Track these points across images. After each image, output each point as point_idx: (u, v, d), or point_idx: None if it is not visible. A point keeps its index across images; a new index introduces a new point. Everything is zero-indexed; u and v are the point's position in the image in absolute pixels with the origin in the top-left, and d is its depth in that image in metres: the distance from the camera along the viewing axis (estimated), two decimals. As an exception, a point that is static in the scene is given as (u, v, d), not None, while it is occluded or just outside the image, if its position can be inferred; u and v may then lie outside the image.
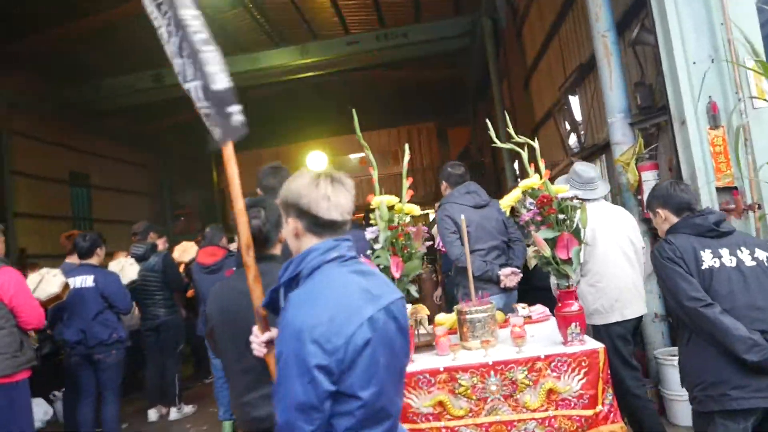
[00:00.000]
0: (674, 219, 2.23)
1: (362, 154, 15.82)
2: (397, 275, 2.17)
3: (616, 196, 4.11)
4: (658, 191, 2.32)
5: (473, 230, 3.27)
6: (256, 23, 10.66)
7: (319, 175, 1.39)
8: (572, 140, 6.63)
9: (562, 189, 2.30)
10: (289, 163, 15.64)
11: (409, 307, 2.72)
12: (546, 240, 2.19)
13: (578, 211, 2.25)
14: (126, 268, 4.73)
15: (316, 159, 14.83)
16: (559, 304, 2.27)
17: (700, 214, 2.19)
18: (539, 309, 2.90)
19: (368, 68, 12.32)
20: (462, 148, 14.70)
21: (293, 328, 1.20)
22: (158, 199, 15.36)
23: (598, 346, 2.22)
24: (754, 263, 2.08)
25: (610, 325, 2.89)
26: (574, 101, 6.31)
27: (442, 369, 2.17)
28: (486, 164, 13.19)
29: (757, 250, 2.12)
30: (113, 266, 4.77)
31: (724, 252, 2.09)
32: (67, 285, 3.68)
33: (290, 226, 1.40)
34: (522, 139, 2.47)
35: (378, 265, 2.25)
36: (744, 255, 2.09)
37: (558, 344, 2.28)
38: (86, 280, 3.90)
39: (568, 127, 6.71)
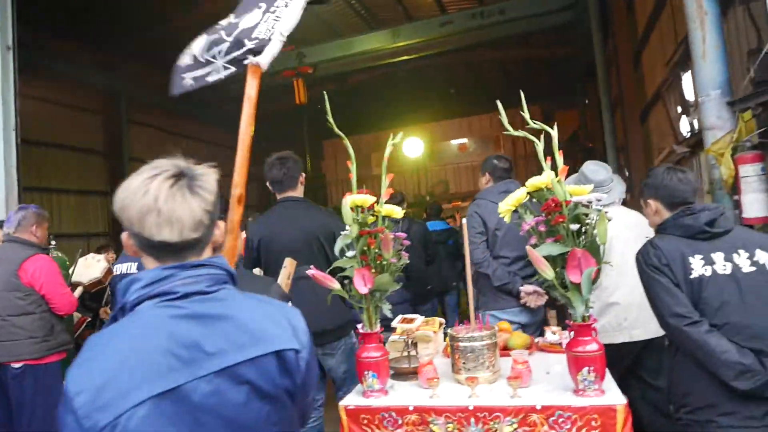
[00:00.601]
0: (666, 213, 1.95)
1: (463, 140, 15.24)
2: (364, 290, 1.81)
3: (707, 194, 3.31)
4: (652, 178, 2.03)
5: (501, 234, 2.90)
6: (350, 7, 10.53)
7: (156, 173, 0.99)
8: (683, 124, 5.65)
9: (580, 191, 1.77)
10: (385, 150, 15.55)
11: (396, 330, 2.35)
12: (552, 257, 1.70)
13: (597, 220, 1.72)
14: None
15: (412, 145, 14.50)
16: (570, 339, 1.76)
17: (691, 212, 1.87)
18: (575, 335, 2.35)
19: (466, 50, 11.68)
20: (570, 133, 13.48)
21: (65, 386, 0.89)
22: (263, 184, 16.09)
23: (618, 401, 1.67)
24: (753, 269, 1.79)
25: (614, 347, 2.43)
26: (686, 78, 5.33)
27: (411, 408, 1.77)
28: (596, 150, 11.97)
29: (758, 251, 1.82)
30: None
31: (718, 257, 1.81)
32: (109, 270, 3.79)
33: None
34: (537, 125, 1.96)
35: (344, 278, 1.91)
36: (741, 259, 1.80)
37: (569, 392, 1.78)
38: (131, 267, 4.00)
39: (678, 109, 5.73)
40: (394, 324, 2.51)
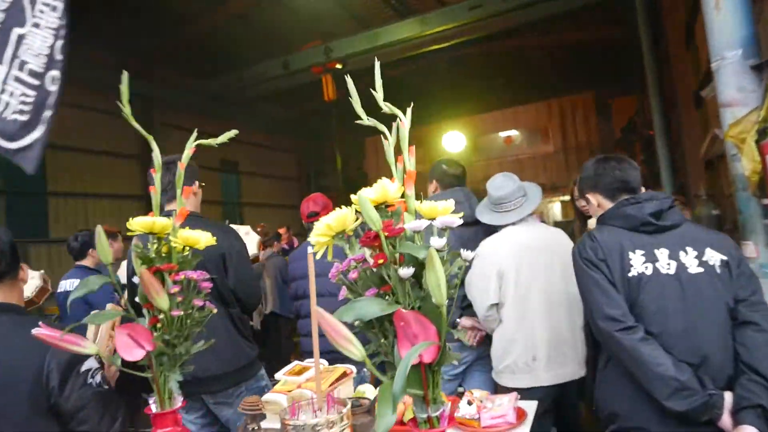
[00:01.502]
0: (608, 205, 1.77)
1: (509, 132, 14.26)
2: (138, 354, 1.25)
3: (727, 198, 2.46)
4: (586, 170, 1.85)
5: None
6: (378, -4, 9.99)
7: None
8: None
9: (437, 211, 1.12)
10: (427, 146, 14.89)
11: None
12: (364, 325, 1.07)
13: (456, 261, 1.07)
14: None
15: (454, 139, 13.72)
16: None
17: (636, 201, 1.68)
18: (501, 401, 1.68)
19: (505, 35, 10.80)
20: (626, 121, 12.20)
21: None
22: (304, 183, 15.86)
23: None
24: (700, 269, 1.59)
25: (523, 391, 2.08)
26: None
27: None
28: (654, 139, 10.71)
29: (708, 250, 1.61)
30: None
31: (662, 254, 1.62)
32: (43, 289, 3.45)
33: None
34: (389, 108, 1.32)
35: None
36: (688, 258, 1.60)
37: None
38: (73, 284, 3.67)
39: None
40: (278, 375, 1.97)
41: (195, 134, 1.60)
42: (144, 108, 11.08)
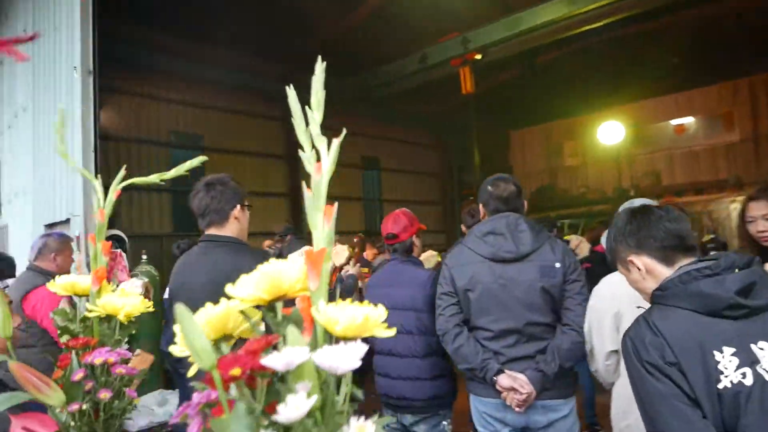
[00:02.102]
0: (664, 270, 1.23)
1: (681, 120, 12.28)
2: None
3: None
4: (620, 222, 1.32)
5: (475, 297, 2.08)
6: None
7: None
8: None
9: (357, 328, 0.68)
10: (580, 139, 13.50)
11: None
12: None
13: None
14: None
15: (610, 130, 12.24)
16: None
17: (711, 271, 1.13)
18: None
19: (669, 10, 9.24)
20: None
21: None
22: (447, 179, 15.50)
23: None
24: None
25: None
26: None
27: None
28: None
29: None
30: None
31: (763, 351, 1.08)
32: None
33: None
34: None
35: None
36: None
37: None
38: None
39: None
40: None
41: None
42: (287, 111, 11.62)
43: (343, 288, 2.76)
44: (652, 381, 1.14)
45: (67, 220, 4.45)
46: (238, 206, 2.12)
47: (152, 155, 9.71)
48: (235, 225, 2.12)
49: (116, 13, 7.96)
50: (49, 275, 3.11)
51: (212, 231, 2.10)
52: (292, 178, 11.67)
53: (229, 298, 1.74)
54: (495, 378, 2.02)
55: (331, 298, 0.67)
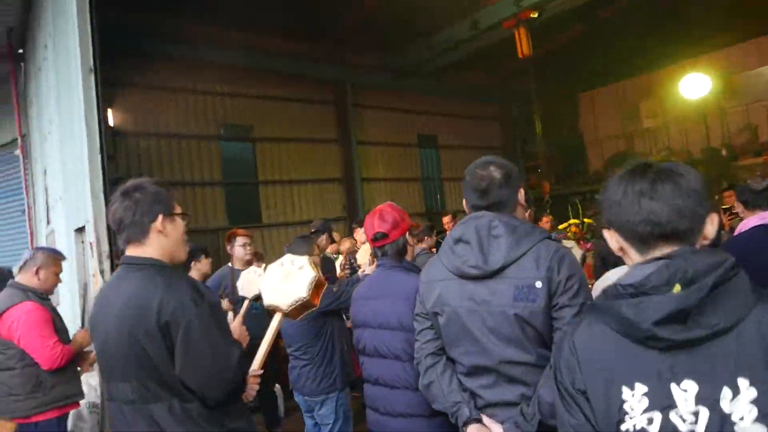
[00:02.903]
0: (636, 257, 1.04)
1: (781, 65, 10.62)
2: None
3: None
4: (606, 191, 1.08)
5: (445, 322, 1.62)
6: None
7: None
8: None
9: None
10: (658, 96, 12.07)
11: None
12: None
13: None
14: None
15: (694, 84, 10.82)
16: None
17: (632, 287, 0.95)
18: None
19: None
20: None
21: None
22: (510, 152, 14.56)
23: None
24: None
25: None
26: None
27: None
28: None
29: None
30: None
31: (686, 393, 0.88)
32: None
33: None
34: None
35: None
36: (739, 402, 0.83)
37: None
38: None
39: None
40: None
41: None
42: (337, 92, 11.31)
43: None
44: (562, 409, 0.99)
45: (83, 227, 4.33)
46: (161, 216, 1.70)
47: (203, 149, 9.71)
48: (158, 241, 1.70)
49: (157, 7, 7.91)
50: (30, 291, 2.93)
51: (131, 251, 1.71)
52: (346, 162, 11.33)
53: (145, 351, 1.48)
54: (464, 428, 1.54)
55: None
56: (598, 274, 4.17)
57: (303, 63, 10.58)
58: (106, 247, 3.96)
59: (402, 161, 12.47)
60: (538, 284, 1.43)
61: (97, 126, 4.05)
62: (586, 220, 5.46)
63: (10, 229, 8.15)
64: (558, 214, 9.32)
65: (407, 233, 2.18)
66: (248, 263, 3.87)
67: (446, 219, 6.11)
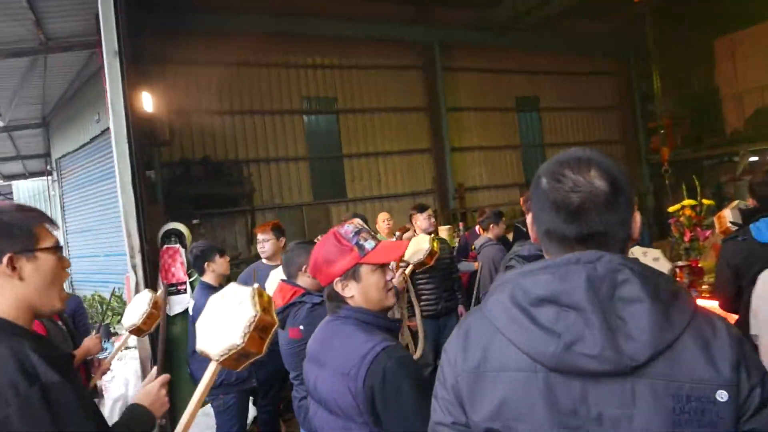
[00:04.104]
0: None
1: None
2: None
3: None
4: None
5: None
6: None
7: None
8: None
9: None
10: (745, 57, 9.62)
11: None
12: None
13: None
14: None
15: None
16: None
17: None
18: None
19: None
20: None
21: None
22: (627, 111, 12.79)
23: None
24: None
25: None
26: None
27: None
28: None
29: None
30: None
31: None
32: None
33: None
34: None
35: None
36: None
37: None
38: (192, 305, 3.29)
39: None
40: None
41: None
42: (425, 55, 10.56)
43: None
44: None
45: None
46: (8, 255, 1.27)
47: (286, 124, 9.61)
48: (9, 287, 1.29)
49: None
50: None
51: None
52: (435, 131, 10.64)
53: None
54: None
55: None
56: (730, 303, 2.46)
57: (387, 25, 9.97)
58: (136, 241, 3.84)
59: (498, 127, 11.48)
60: (722, 396, 0.77)
61: (123, 111, 3.89)
62: (705, 201, 4.25)
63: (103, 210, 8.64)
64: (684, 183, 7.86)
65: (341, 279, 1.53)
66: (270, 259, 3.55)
67: (522, 199, 4.26)
